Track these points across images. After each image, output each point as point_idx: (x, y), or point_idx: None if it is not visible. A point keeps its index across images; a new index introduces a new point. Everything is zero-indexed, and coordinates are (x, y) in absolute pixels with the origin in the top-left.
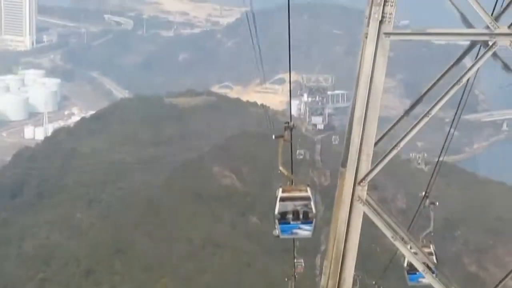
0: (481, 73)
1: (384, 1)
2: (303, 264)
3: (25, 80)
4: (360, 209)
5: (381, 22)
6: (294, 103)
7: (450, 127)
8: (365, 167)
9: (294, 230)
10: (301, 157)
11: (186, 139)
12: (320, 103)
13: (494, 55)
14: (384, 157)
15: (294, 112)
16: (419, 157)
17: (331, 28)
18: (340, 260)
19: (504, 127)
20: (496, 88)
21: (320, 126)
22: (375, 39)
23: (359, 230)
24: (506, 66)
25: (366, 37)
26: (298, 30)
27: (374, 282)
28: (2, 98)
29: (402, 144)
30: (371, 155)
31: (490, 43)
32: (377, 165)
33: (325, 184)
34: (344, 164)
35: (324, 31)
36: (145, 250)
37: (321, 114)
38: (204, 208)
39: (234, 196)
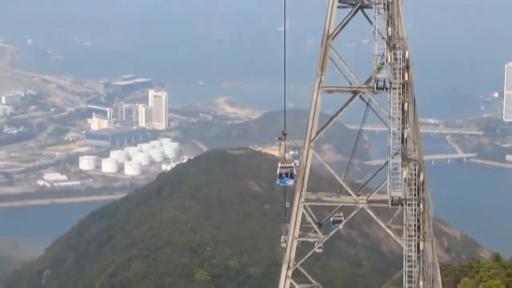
0: (376, 144)
1: (321, 74)
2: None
3: (162, 143)
4: (311, 152)
5: (320, 82)
6: (287, 155)
7: (349, 164)
8: (313, 135)
9: (286, 182)
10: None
11: (236, 170)
12: (298, 154)
13: (360, 97)
14: (319, 133)
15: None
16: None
17: (305, 120)
18: (303, 173)
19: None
20: (380, 149)
21: (298, 164)
22: (318, 88)
23: (310, 159)
24: (367, 105)
25: (314, 89)
26: (288, 121)
27: None
28: (152, 151)
29: (328, 126)
30: (315, 132)
31: (359, 92)
32: (317, 134)
33: None
34: (305, 140)
35: (303, 122)
36: (218, 220)
37: (298, 159)
38: (243, 201)
39: (258, 195)
